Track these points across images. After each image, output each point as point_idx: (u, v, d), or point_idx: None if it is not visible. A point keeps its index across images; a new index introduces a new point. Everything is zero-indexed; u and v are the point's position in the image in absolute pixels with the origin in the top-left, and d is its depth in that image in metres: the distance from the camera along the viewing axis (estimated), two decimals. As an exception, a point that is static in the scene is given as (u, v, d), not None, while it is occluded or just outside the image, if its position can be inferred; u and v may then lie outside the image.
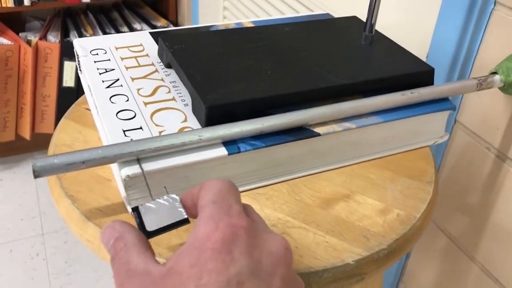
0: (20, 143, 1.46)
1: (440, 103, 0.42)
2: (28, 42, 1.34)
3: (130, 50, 0.46)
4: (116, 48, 0.46)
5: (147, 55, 0.45)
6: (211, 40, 0.44)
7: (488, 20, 0.49)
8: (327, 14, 0.56)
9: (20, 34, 1.36)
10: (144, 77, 0.42)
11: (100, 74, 0.42)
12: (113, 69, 0.42)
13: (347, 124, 0.38)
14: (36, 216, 1.32)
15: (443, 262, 0.61)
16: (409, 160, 0.42)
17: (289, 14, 0.84)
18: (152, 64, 0.44)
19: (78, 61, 0.45)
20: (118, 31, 1.41)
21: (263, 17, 0.94)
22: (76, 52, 0.45)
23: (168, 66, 0.43)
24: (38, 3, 1.30)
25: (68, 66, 1.36)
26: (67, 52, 1.35)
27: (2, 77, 1.30)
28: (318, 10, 0.76)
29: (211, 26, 0.51)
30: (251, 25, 0.52)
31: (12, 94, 1.35)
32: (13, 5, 1.26)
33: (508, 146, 0.50)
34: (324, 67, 0.41)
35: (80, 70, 0.45)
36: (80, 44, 0.46)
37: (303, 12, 0.79)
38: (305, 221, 0.35)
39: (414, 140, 0.43)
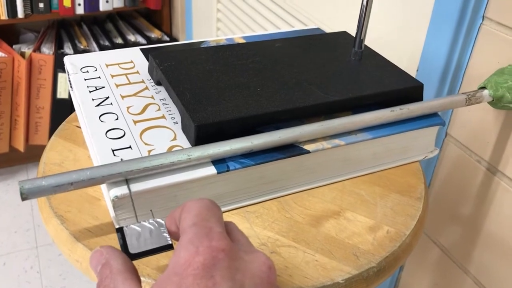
0: (14, 154, 1.45)
1: (429, 118, 0.42)
2: (22, 54, 1.34)
3: (120, 67, 0.46)
4: (107, 65, 0.46)
5: (137, 72, 0.45)
6: (202, 57, 0.44)
7: (476, 35, 0.50)
8: (318, 29, 0.57)
9: (14, 46, 1.36)
10: (134, 94, 0.42)
11: (90, 92, 0.42)
12: (103, 87, 0.42)
13: (336, 141, 0.38)
14: (30, 228, 1.32)
15: (437, 275, 0.61)
16: (399, 176, 0.42)
17: (281, 26, 0.85)
18: (143, 82, 0.44)
19: (69, 78, 0.45)
20: (112, 42, 1.42)
21: (255, 28, 0.95)
22: (67, 69, 0.45)
23: (158, 83, 0.43)
24: (32, 15, 1.30)
25: (62, 78, 1.36)
26: (61, 64, 1.35)
27: (-5, 89, 1.30)
28: (310, 23, 0.76)
29: (203, 42, 0.51)
30: (243, 41, 0.52)
31: (6, 106, 1.35)
32: (6, 18, 1.26)
33: (498, 159, 0.50)
34: (314, 84, 0.41)
35: (71, 87, 0.45)
36: (70, 61, 0.46)
37: (296, 26, 0.80)
38: (295, 239, 0.35)
39: (404, 155, 0.43)
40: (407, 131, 0.41)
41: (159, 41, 1.45)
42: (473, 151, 0.53)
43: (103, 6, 1.34)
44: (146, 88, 0.43)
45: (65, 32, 1.47)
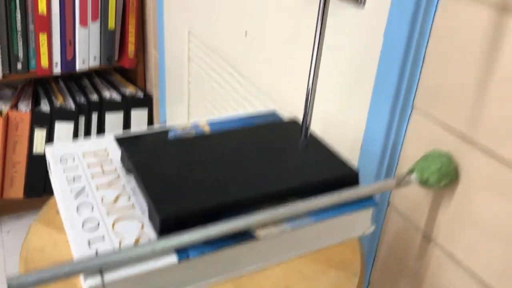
0: (-12, 208, 1.48)
1: (365, 201, 0.49)
2: (-1, 112, 1.38)
3: (96, 157, 0.52)
4: (84, 155, 0.52)
5: (111, 161, 0.51)
6: (169, 149, 0.51)
7: (408, 121, 0.58)
8: (274, 112, 0.64)
9: (-9, 104, 1.40)
10: (108, 184, 0.48)
11: (68, 183, 0.47)
12: (80, 177, 0.48)
13: (284, 226, 0.45)
14: (3, 282, 1.33)
15: (386, 330, 0.67)
16: (340, 251, 0.48)
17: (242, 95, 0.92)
18: (115, 170, 0.50)
19: (50, 168, 0.50)
20: (88, 99, 1.47)
21: (219, 95, 1.02)
22: (48, 159, 0.51)
23: (129, 172, 0.49)
24: (10, 75, 1.35)
25: (39, 133, 1.41)
26: (38, 120, 1.40)
27: (-28, 146, 1.34)
28: (269, 101, 0.84)
29: (170, 128, 0.58)
30: (207, 127, 0.59)
31: (-18, 161, 1.38)
32: (-15, 78, 1.31)
33: (431, 228, 0.57)
34: (266, 174, 0.48)
35: (51, 174, 0.50)
36: (51, 152, 0.52)
37: (257, 94, 0.87)
38: (246, 316, 0.40)
39: (343, 233, 0.49)
40: (345, 213, 0.48)
41: (133, 97, 1.52)
42: (411, 219, 0.60)
43: (79, 66, 1.40)
44: (118, 177, 0.49)
45: (42, 88, 1.52)
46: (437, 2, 0.52)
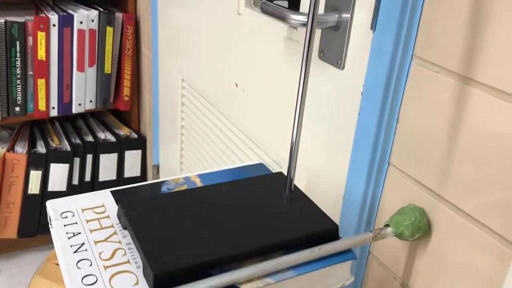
0: (-18, 248, 1.49)
1: (344, 254, 0.53)
2: (-4, 154, 1.42)
3: (94, 212, 0.56)
4: (83, 210, 0.56)
5: (108, 216, 0.55)
6: (162, 204, 0.55)
7: (385, 177, 0.62)
8: (261, 164, 0.68)
9: (-12, 145, 1.44)
10: (105, 239, 0.51)
11: (68, 238, 0.51)
12: (79, 233, 0.52)
13: (268, 280, 0.48)
14: (-5, 324, 1.33)
15: None
16: (321, 302, 0.52)
17: (235, 144, 0.97)
18: (112, 226, 0.53)
19: (50, 223, 0.54)
20: (83, 140, 1.51)
21: (210, 140, 1.06)
22: (49, 214, 0.55)
23: (125, 227, 0.53)
24: (8, 117, 1.39)
25: (34, 175, 1.44)
26: (34, 162, 1.43)
27: (-32, 187, 1.36)
28: (259, 150, 0.89)
29: (164, 182, 0.62)
30: (197, 179, 0.63)
31: (-23, 202, 1.41)
32: (-17, 121, 1.35)
33: (409, 277, 0.61)
34: (251, 229, 0.52)
35: (52, 229, 0.54)
36: (52, 206, 0.56)
37: (248, 144, 0.92)
38: None
39: (324, 284, 0.53)
40: (325, 266, 0.51)
41: (127, 138, 1.56)
42: (390, 268, 0.64)
43: (75, 109, 1.45)
44: (115, 233, 0.53)
45: (38, 130, 1.56)
46: (409, 69, 0.57)
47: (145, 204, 0.54)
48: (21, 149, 1.44)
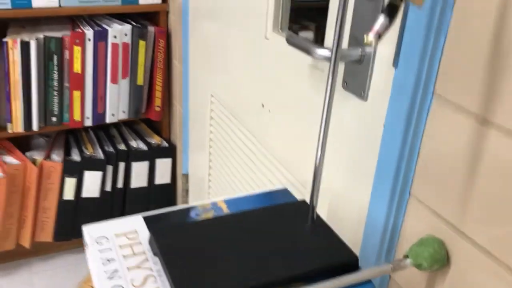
0: (19, 248, 1.56)
1: (364, 285, 0.55)
2: (33, 161, 1.48)
3: (127, 237, 0.59)
4: (116, 236, 0.59)
5: (140, 242, 0.59)
6: (190, 231, 0.58)
7: (406, 206, 0.64)
8: (285, 189, 0.71)
9: (26, 153, 1.50)
10: (137, 266, 0.55)
11: (103, 264, 0.55)
12: (113, 259, 0.56)
13: (288, 310, 0.51)
14: (31, 325, 1.40)
15: None
16: (340, 331, 0.54)
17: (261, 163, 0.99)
18: (144, 252, 0.57)
19: (86, 247, 0.58)
20: (115, 148, 1.57)
21: (236, 154, 1.09)
22: (85, 239, 0.59)
23: (156, 255, 0.57)
24: (45, 127, 1.46)
25: (69, 181, 1.50)
26: (69, 170, 1.49)
27: (8, 193, 1.43)
28: (284, 169, 0.91)
29: (192, 207, 0.65)
30: (224, 205, 0.66)
31: (16, 207, 1.48)
32: (23, 130, 1.41)
33: (428, 305, 0.62)
34: (275, 259, 0.54)
35: (87, 253, 0.58)
36: (88, 231, 0.60)
37: (274, 163, 0.94)
38: None
39: (344, 314, 0.55)
40: (344, 297, 0.54)
41: (158, 146, 1.61)
42: (409, 296, 0.65)
43: (109, 119, 1.50)
44: (147, 259, 0.56)
45: (73, 137, 1.62)
46: (429, 106, 0.58)
47: (175, 232, 0.58)
48: (57, 157, 1.50)
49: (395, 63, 0.60)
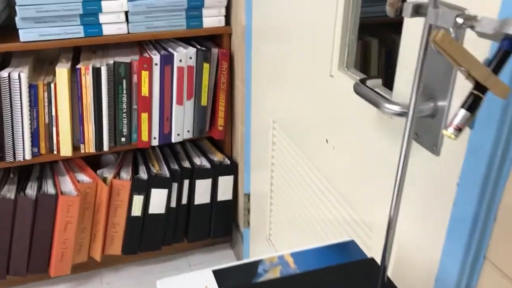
0: (91, 260, 1.64)
1: None
2: (104, 179, 1.55)
3: (198, 295, 0.61)
4: (188, 292, 0.61)
5: (210, 300, 0.60)
6: (258, 293, 0.59)
7: (480, 270, 0.61)
8: (352, 241, 0.70)
9: (97, 171, 1.58)
10: (208, 328, 0.57)
11: (176, 325, 0.57)
12: (186, 320, 0.57)
13: None
14: (102, 336, 1.48)
15: None
16: None
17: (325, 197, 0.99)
18: (214, 313, 0.59)
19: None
20: (180, 165, 1.61)
21: (298, 183, 1.09)
22: (159, 295, 0.61)
23: (226, 316, 0.58)
24: (115, 147, 1.52)
25: (137, 199, 1.56)
26: (137, 187, 1.55)
27: (81, 209, 1.51)
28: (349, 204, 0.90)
29: (260, 261, 0.66)
30: (291, 259, 0.67)
31: (88, 223, 1.56)
32: (94, 151, 1.48)
33: None
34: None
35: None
36: (162, 286, 0.62)
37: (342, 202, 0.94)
38: None
39: None
40: None
41: (221, 164, 1.64)
42: None
43: (174, 138, 1.55)
44: (217, 320, 0.58)
45: (141, 155, 1.68)
46: (509, 170, 0.56)
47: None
48: (125, 175, 1.57)
49: (471, 123, 0.58)
